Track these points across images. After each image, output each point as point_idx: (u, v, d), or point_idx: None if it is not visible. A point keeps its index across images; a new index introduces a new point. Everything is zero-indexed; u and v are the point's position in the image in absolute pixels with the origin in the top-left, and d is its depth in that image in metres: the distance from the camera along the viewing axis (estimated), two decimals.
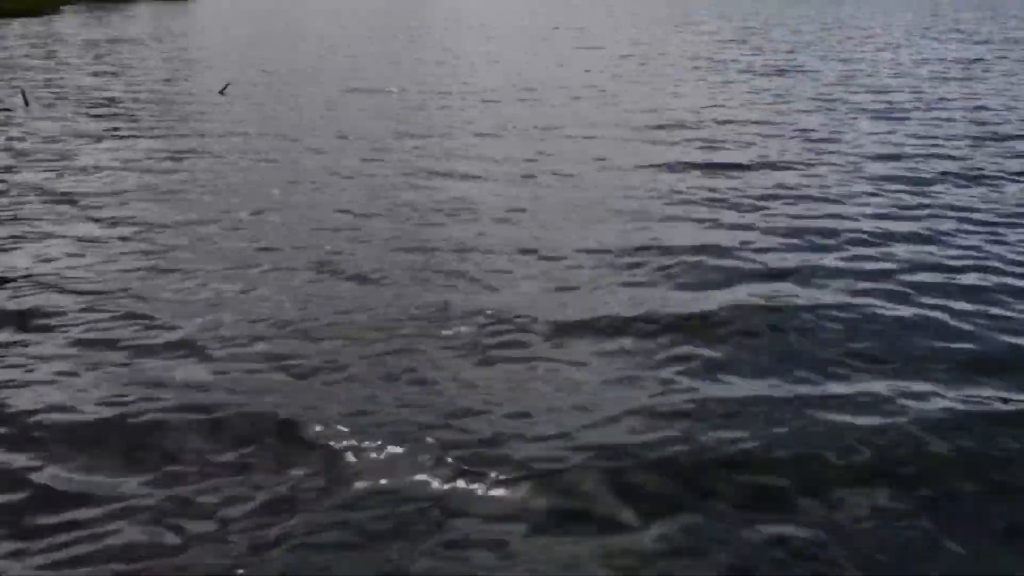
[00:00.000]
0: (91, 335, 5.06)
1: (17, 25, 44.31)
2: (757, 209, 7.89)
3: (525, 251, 6.62)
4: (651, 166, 9.73)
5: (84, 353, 4.81)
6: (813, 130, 12.13)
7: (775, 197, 8.35)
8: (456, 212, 7.73)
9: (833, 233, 7.18)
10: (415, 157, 10.27)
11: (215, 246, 6.72)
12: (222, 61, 24.25)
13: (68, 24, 46.01)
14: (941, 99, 15.18)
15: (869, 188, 8.65)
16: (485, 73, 20.05)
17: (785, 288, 5.87)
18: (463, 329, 5.11)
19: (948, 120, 12.83)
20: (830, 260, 6.46)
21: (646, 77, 18.93)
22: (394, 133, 11.93)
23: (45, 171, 9.58)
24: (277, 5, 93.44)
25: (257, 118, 13.57)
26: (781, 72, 19.77)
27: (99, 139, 11.62)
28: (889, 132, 11.92)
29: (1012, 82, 17.35)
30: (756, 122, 12.74)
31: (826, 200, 8.26)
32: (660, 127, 12.39)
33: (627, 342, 4.97)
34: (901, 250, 6.73)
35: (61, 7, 69.17)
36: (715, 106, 14.43)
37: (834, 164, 9.85)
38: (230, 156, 10.32)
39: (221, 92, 16.94)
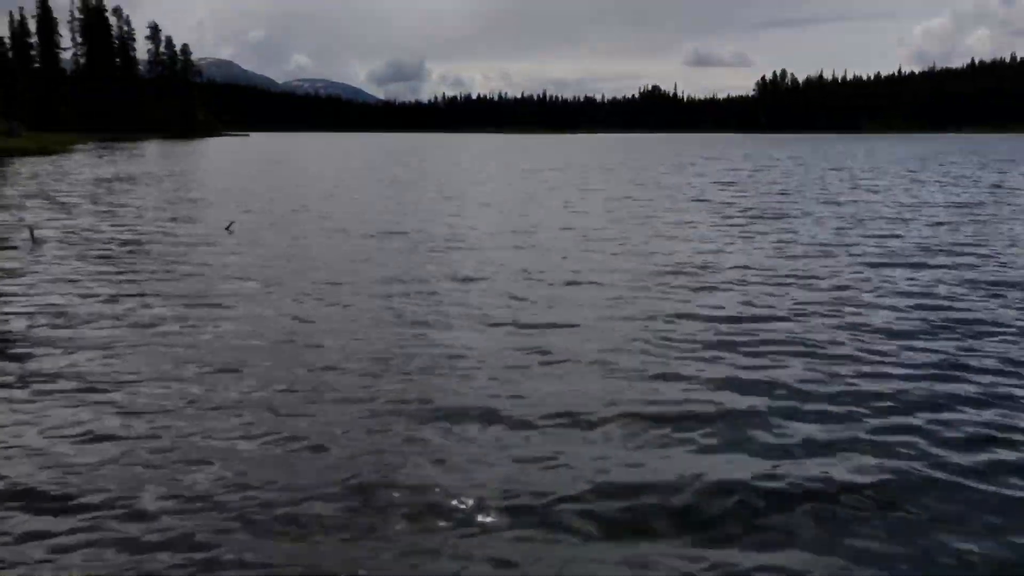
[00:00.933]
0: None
1: (30, 163, 45.50)
2: (766, 369, 7.44)
3: (520, 421, 6.17)
4: (654, 317, 9.37)
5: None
6: (818, 279, 11.77)
7: (785, 354, 7.92)
8: (453, 369, 7.36)
9: (850, 397, 6.67)
10: (413, 305, 9.90)
11: (208, 419, 6.27)
12: (228, 199, 24.68)
13: (78, 163, 47.23)
14: (942, 246, 14.94)
15: (881, 346, 8.20)
16: (485, 216, 20.04)
17: (793, 466, 5.37)
18: (451, 507, 4.83)
19: (952, 270, 12.53)
20: (842, 431, 5.98)
21: (646, 221, 18.96)
22: (393, 279, 11.58)
23: (43, 322, 9.26)
24: (281, 147, 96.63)
25: (259, 259, 13.44)
26: (778, 216, 19.81)
27: (101, 284, 11.41)
28: (890, 281, 11.58)
29: (1014, 228, 17.39)
30: (760, 270, 12.45)
31: (837, 359, 7.79)
32: (664, 274, 12.11)
33: (622, 522, 4.61)
34: (921, 418, 6.24)
35: (72, 146, 71.39)
36: (716, 252, 14.23)
37: (840, 316, 9.46)
38: (230, 303, 10.08)
39: (227, 229, 17.10)
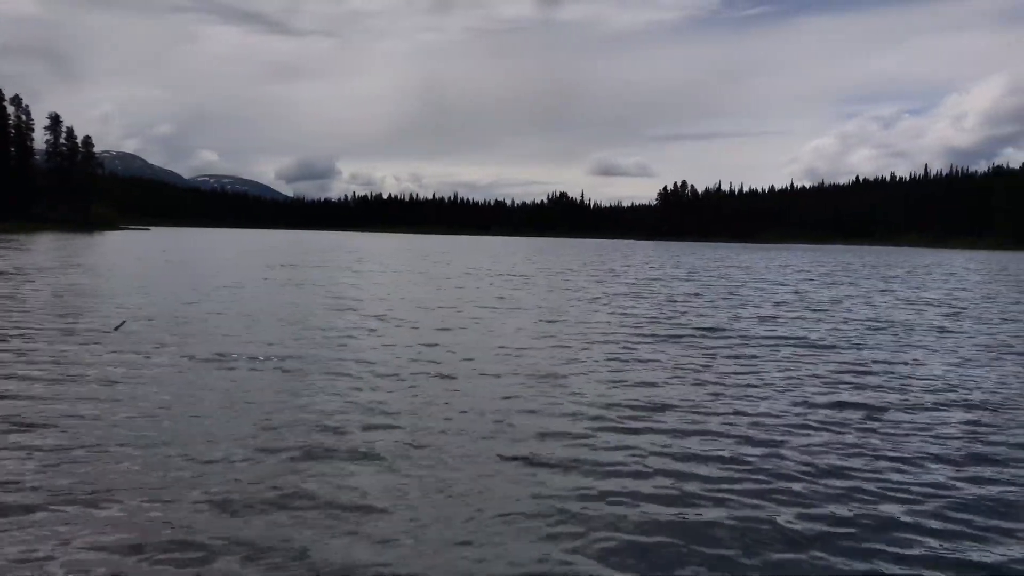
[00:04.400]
0: None
1: None
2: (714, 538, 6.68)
3: None
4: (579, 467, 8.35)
5: None
6: (765, 417, 10.73)
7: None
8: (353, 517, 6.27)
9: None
10: (302, 439, 8.64)
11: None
12: (122, 296, 23.17)
13: None
14: (882, 366, 14.38)
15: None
16: (391, 336, 18.08)
17: None
18: None
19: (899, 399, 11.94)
20: None
21: (561, 339, 17.75)
22: (287, 406, 10.16)
23: None
24: (181, 243, 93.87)
25: (146, 364, 12.42)
26: (707, 332, 19.01)
27: None
28: (837, 409, 10.89)
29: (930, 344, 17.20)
30: (690, 406, 11.47)
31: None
32: (587, 415, 10.84)
33: None
34: None
35: None
36: (652, 386, 12.81)
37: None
38: (108, 418, 8.94)
39: (116, 329, 15.90)
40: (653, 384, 12.52)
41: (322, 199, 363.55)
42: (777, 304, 27.72)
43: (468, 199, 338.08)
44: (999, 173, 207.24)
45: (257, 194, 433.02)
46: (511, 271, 47.23)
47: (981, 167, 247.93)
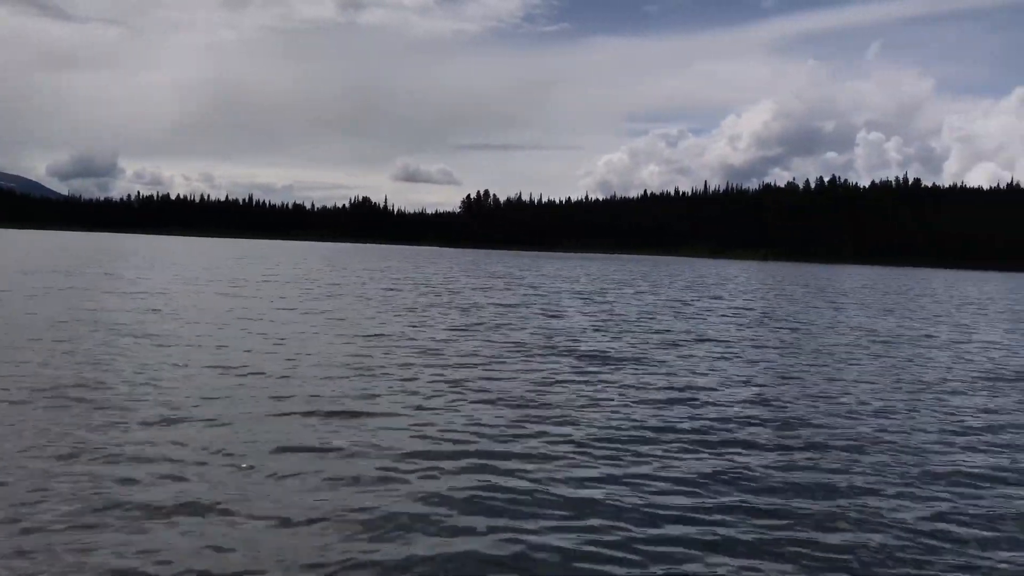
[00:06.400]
0: None
1: None
2: None
3: None
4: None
5: None
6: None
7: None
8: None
9: None
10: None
11: None
12: None
13: None
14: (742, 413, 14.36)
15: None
16: (152, 355, 16.32)
17: None
18: None
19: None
20: None
21: (362, 360, 16.71)
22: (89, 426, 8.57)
23: None
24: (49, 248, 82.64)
25: None
26: (518, 345, 18.63)
27: None
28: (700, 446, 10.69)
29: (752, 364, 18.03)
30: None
31: None
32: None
33: None
34: None
35: None
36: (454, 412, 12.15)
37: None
38: None
39: None
40: (454, 409, 11.79)
41: (102, 198, 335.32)
42: (592, 316, 28.03)
43: (265, 202, 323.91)
44: (768, 191, 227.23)
45: (26, 191, 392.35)
46: (308, 279, 45.10)
47: (753, 185, 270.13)
